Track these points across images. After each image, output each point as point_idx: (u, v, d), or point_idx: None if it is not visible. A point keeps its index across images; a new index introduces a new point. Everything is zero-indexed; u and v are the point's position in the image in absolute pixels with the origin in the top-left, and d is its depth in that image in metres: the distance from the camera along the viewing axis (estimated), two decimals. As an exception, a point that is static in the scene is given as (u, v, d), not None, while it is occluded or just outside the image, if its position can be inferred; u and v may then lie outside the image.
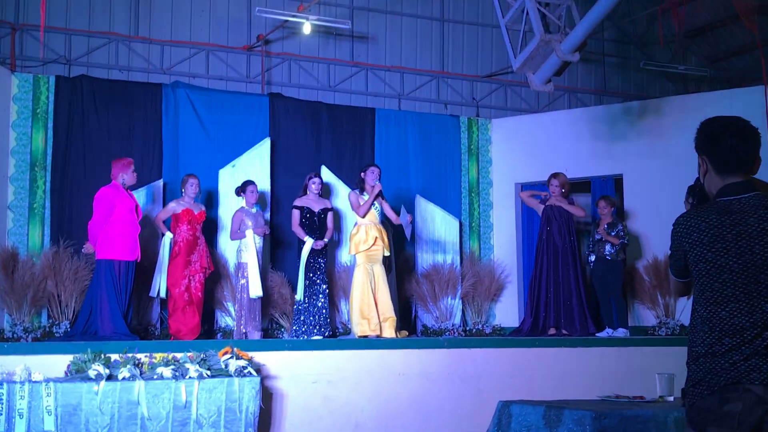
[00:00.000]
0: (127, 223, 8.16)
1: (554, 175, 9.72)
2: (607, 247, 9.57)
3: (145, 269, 8.73)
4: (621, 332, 9.30)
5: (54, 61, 10.27)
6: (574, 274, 9.57)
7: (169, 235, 8.70)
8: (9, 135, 9.26)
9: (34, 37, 10.09)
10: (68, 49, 10.42)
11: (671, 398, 4.80)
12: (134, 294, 8.46)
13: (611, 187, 11.03)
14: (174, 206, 8.77)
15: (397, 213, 9.17)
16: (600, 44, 13.48)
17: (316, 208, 9.07)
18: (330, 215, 9.17)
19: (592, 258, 9.73)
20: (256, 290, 8.73)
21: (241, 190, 9.12)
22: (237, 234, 8.93)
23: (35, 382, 5.86)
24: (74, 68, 10.36)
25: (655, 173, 10.47)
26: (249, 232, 8.84)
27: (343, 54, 11.89)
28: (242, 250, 8.89)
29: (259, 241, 8.94)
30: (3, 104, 9.20)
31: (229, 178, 9.78)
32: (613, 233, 9.54)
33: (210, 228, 9.49)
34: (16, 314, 8.71)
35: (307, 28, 10.76)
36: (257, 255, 8.83)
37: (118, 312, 7.95)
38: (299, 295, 8.85)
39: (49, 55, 10.21)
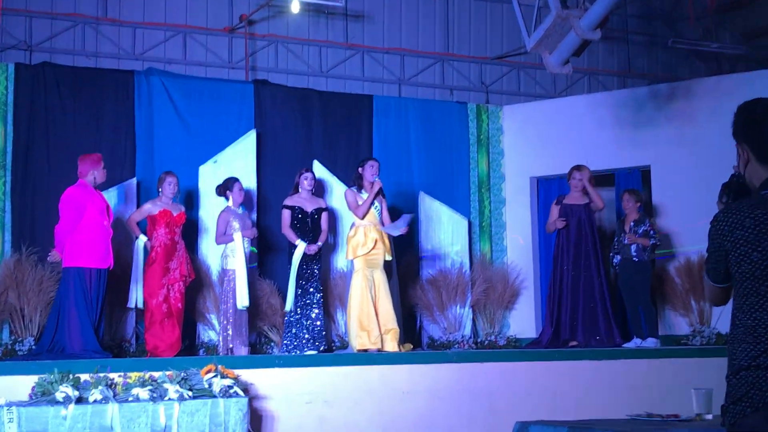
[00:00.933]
0: (98, 226, 8.13)
1: (577, 168, 9.70)
2: (634, 247, 9.54)
3: (117, 278, 8.71)
4: (651, 342, 9.28)
5: (13, 47, 10.24)
6: (598, 278, 9.55)
7: (142, 239, 8.70)
8: (-36, 130, 9.24)
9: (-10, 20, 10.06)
10: (29, 33, 10.39)
11: (710, 416, 4.77)
12: (106, 306, 8.42)
13: (638, 180, 11.01)
14: (150, 207, 8.74)
15: (397, 217, 9.09)
16: (623, 20, 13.42)
17: (309, 208, 9.05)
18: (324, 215, 9.15)
19: (617, 259, 9.69)
20: (243, 300, 8.72)
21: (224, 189, 9.09)
22: (223, 237, 8.91)
23: (-4, 406, 5.84)
24: (36, 55, 10.32)
25: (687, 163, 10.45)
26: (237, 235, 8.81)
27: (336, 35, 11.86)
28: (228, 256, 8.87)
29: (247, 245, 8.92)
30: (-44, 96, 9.19)
31: (210, 175, 9.76)
32: (640, 230, 9.50)
33: (190, 231, 9.47)
34: (-26, 331, 8.69)
35: (295, 7, 10.73)
36: (245, 261, 8.80)
37: (89, 326, 7.92)
38: (289, 305, 8.83)
39: (7, 40, 10.18)
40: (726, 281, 3.01)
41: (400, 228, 8.89)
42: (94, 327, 7.97)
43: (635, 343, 9.30)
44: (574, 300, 9.54)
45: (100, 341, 8.06)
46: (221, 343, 8.78)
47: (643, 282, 9.61)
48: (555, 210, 9.78)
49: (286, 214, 9.01)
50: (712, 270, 3.03)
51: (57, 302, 8.16)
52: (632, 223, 9.59)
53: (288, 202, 9.07)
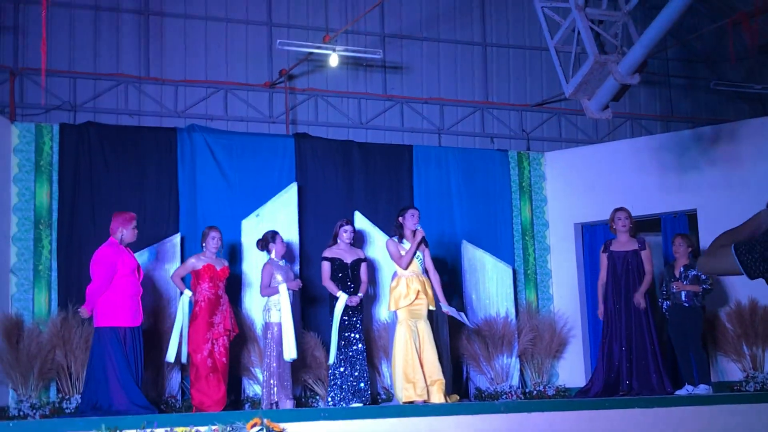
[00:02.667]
0: (129, 285, 8.16)
1: (619, 209, 9.61)
2: (684, 292, 9.45)
3: (161, 333, 8.81)
4: (703, 389, 9.16)
5: (57, 108, 10.50)
6: (647, 325, 9.46)
7: (188, 293, 8.78)
8: (10, 190, 9.44)
9: (35, 82, 10.34)
10: (73, 93, 10.66)
11: (762, 461, 4.72)
12: (151, 362, 8.48)
13: (684, 224, 10.95)
14: (194, 262, 8.84)
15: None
16: (664, 64, 13.47)
17: (349, 259, 9.10)
18: (363, 266, 9.19)
19: (666, 305, 9.61)
20: (290, 352, 8.75)
21: (265, 243, 9.11)
22: (268, 290, 8.95)
23: (44, 463, 5.92)
24: (80, 114, 10.58)
25: (734, 206, 10.33)
26: (283, 287, 8.87)
27: (375, 87, 12.02)
28: (270, 309, 8.91)
29: (290, 297, 8.97)
30: (3, 157, 9.41)
31: (253, 229, 9.86)
32: (690, 275, 9.42)
33: (233, 285, 9.56)
34: (22, 389, 8.80)
35: (334, 60, 10.90)
36: (291, 313, 8.85)
37: (132, 381, 7.95)
38: (332, 358, 8.86)
39: (51, 101, 10.45)
40: (753, 276, 3.03)
41: (454, 314, 8.96)
42: (136, 382, 8.01)
43: (687, 390, 9.20)
44: (625, 348, 9.44)
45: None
46: (265, 397, 8.81)
47: (694, 328, 9.48)
48: (604, 258, 9.68)
49: (326, 266, 9.07)
50: (758, 263, 3.02)
51: (92, 361, 8.12)
52: (682, 268, 9.52)
53: (327, 254, 9.13)
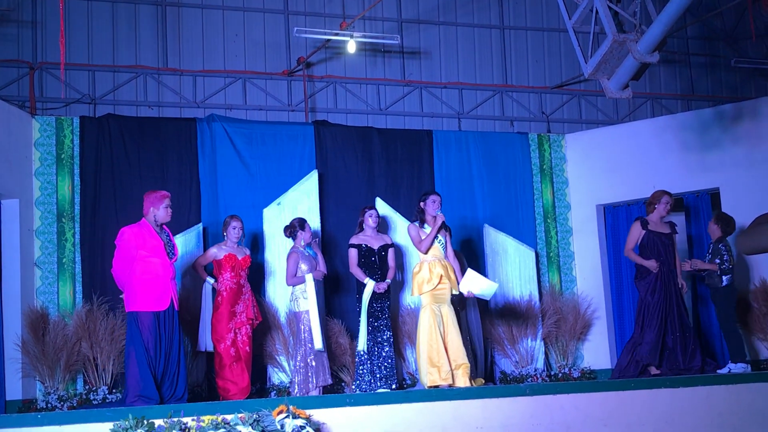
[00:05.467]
0: (151, 266, 7.79)
1: (667, 192, 9.41)
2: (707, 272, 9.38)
3: (187, 322, 8.83)
4: (740, 367, 9.09)
5: (77, 101, 10.54)
6: (683, 304, 9.35)
7: (210, 281, 8.80)
8: (32, 184, 9.48)
9: (54, 76, 10.38)
10: (92, 86, 10.70)
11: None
12: (173, 348, 8.44)
13: (707, 203, 10.89)
14: (215, 251, 8.85)
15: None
16: (683, 42, 13.37)
17: (375, 245, 9.09)
18: (391, 252, 9.17)
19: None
20: (318, 342, 8.74)
21: (292, 229, 9.05)
22: (294, 279, 8.91)
23: (73, 454, 5.93)
24: (100, 107, 10.62)
25: (757, 184, 10.31)
26: (309, 277, 8.84)
27: (393, 72, 11.99)
28: (298, 298, 8.87)
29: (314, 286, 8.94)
30: (24, 151, 9.45)
31: (274, 218, 9.88)
32: (708, 255, 9.33)
33: (256, 274, 9.57)
34: (49, 382, 8.87)
35: (351, 47, 10.89)
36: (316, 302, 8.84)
37: (147, 372, 7.62)
38: (361, 345, 8.83)
39: (71, 94, 10.49)
40: None
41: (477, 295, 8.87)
42: (152, 372, 7.65)
43: (728, 368, 9.11)
44: (678, 328, 9.26)
45: (159, 385, 7.70)
46: (301, 385, 8.73)
47: (724, 307, 9.36)
48: (641, 231, 9.34)
49: (353, 253, 9.05)
50: None
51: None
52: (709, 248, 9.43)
53: (354, 240, 9.12)
